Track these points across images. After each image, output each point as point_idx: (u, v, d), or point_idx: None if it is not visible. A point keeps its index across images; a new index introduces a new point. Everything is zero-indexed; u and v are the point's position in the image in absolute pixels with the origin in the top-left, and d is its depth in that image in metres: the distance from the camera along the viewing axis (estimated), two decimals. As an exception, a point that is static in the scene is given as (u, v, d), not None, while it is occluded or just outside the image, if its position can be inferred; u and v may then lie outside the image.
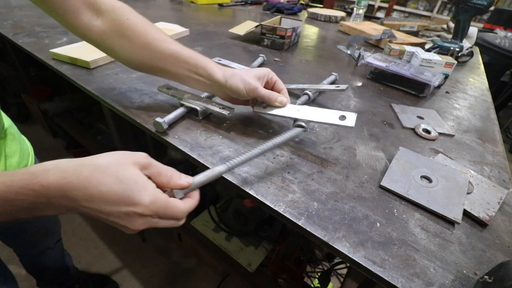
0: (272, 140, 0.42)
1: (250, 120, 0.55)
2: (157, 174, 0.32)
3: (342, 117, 0.46)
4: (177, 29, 1.00)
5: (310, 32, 1.35)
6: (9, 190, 0.27)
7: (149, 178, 0.31)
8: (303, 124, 0.47)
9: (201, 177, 0.35)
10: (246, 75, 0.47)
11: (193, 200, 0.34)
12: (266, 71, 0.50)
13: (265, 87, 0.50)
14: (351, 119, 0.45)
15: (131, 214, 0.29)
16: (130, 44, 0.47)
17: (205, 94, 0.59)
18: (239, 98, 0.50)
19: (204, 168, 0.44)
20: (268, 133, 0.53)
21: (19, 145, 0.59)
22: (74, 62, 0.69)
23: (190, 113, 0.55)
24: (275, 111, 0.50)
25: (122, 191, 0.28)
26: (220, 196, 1.18)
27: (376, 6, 4.20)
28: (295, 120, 0.48)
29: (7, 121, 0.58)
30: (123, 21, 0.46)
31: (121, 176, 0.28)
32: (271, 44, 1.01)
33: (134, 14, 0.48)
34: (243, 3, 1.82)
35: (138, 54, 0.48)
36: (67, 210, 0.29)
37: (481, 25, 2.99)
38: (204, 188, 1.20)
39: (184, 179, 0.33)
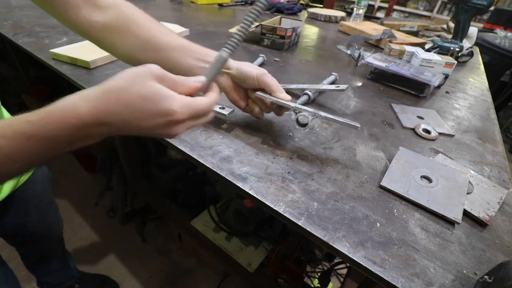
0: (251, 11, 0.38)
1: (250, 120, 0.55)
2: (173, 84, 0.33)
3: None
4: (177, 29, 1.00)
5: (310, 32, 1.35)
6: (49, 126, 0.28)
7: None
8: (306, 114, 0.46)
9: (211, 70, 0.36)
10: (257, 66, 0.50)
11: (214, 93, 0.37)
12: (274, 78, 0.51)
13: None
14: (355, 123, 0.44)
15: (169, 123, 0.31)
16: (134, 38, 0.47)
17: (205, 94, 0.59)
18: (245, 84, 0.49)
19: (204, 168, 0.44)
20: (268, 133, 0.53)
21: None
22: (74, 62, 0.69)
23: (190, 113, 0.55)
24: (279, 99, 0.47)
25: (153, 106, 0.30)
26: (220, 196, 1.18)
27: (376, 6, 4.20)
28: (298, 111, 0.47)
29: None
30: (128, 15, 0.47)
31: (146, 93, 0.30)
32: (271, 44, 1.01)
33: (138, 10, 0.48)
34: (243, 3, 1.82)
35: (142, 48, 0.47)
36: (107, 134, 0.31)
37: (481, 25, 2.99)
38: (204, 188, 1.20)
39: (195, 81, 0.35)
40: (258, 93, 0.49)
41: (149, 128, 0.31)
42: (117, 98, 0.29)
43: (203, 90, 0.36)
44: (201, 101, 0.34)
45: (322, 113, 0.45)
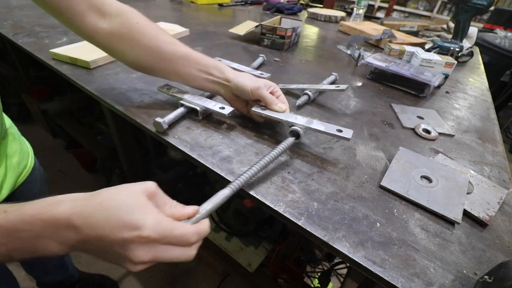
0: (270, 153, 0.42)
1: (250, 120, 0.55)
2: (162, 204, 0.30)
3: (339, 131, 0.46)
4: (177, 29, 1.00)
5: (310, 32, 1.35)
6: (20, 218, 0.26)
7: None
8: (298, 129, 0.47)
9: (208, 204, 0.33)
10: (254, 78, 0.51)
11: (203, 226, 0.31)
12: (273, 84, 0.52)
13: None
14: (347, 132, 0.45)
15: (135, 239, 0.26)
16: (139, 46, 0.48)
17: (205, 94, 0.59)
18: (242, 96, 0.51)
19: (204, 168, 0.44)
20: (267, 133, 0.53)
21: (19, 145, 0.60)
22: (74, 62, 0.69)
23: (190, 113, 0.55)
24: (272, 113, 0.49)
25: (126, 215, 0.27)
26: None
27: (376, 6, 4.20)
28: (291, 125, 0.48)
29: (8, 122, 0.59)
30: (133, 24, 0.47)
31: (125, 201, 0.28)
32: (271, 44, 1.01)
33: (143, 17, 0.49)
34: (243, 3, 1.82)
35: (148, 56, 0.49)
36: (70, 244, 0.28)
37: (481, 25, 2.99)
38: (204, 188, 1.20)
39: (189, 208, 0.31)
40: (254, 109, 0.51)
41: (111, 242, 0.27)
42: (99, 201, 0.27)
43: (193, 222, 0.31)
44: (182, 226, 0.29)
45: (314, 126, 0.47)
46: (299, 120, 0.48)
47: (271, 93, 0.52)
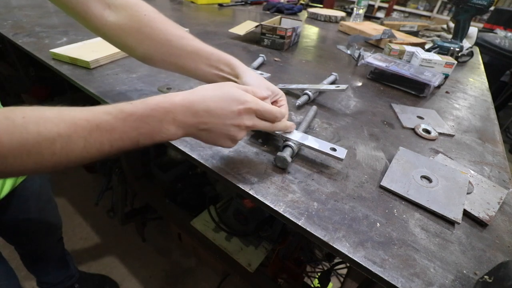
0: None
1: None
2: (252, 92, 0.40)
3: (333, 149, 0.44)
4: (177, 29, 1.00)
5: (310, 32, 1.35)
6: (146, 107, 0.32)
7: None
8: (291, 144, 0.45)
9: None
10: (262, 82, 0.49)
11: (284, 108, 0.46)
12: (280, 92, 0.51)
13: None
14: (341, 151, 0.44)
15: (242, 111, 0.36)
16: (148, 40, 0.47)
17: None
18: None
19: (204, 168, 0.44)
20: (268, 133, 0.53)
21: None
22: (74, 62, 0.69)
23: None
24: None
25: (234, 95, 0.36)
26: (220, 196, 1.18)
27: (376, 6, 4.20)
28: (285, 139, 0.46)
29: None
30: (141, 17, 0.46)
31: (230, 89, 0.36)
32: (271, 44, 1.01)
33: (151, 9, 0.48)
34: (243, 3, 1.82)
35: (157, 50, 0.47)
36: (187, 127, 0.34)
37: (481, 25, 2.99)
38: (204, 188, 1.20)
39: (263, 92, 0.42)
40: None
41: (225, 116, 0.35)
42: (208, 93, 0.35)
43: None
44: (272, 106, 0.40)
45: (308, 143, 0.45)
46: (294, 136, 0.46)
47: (275, 101, 0.51)
